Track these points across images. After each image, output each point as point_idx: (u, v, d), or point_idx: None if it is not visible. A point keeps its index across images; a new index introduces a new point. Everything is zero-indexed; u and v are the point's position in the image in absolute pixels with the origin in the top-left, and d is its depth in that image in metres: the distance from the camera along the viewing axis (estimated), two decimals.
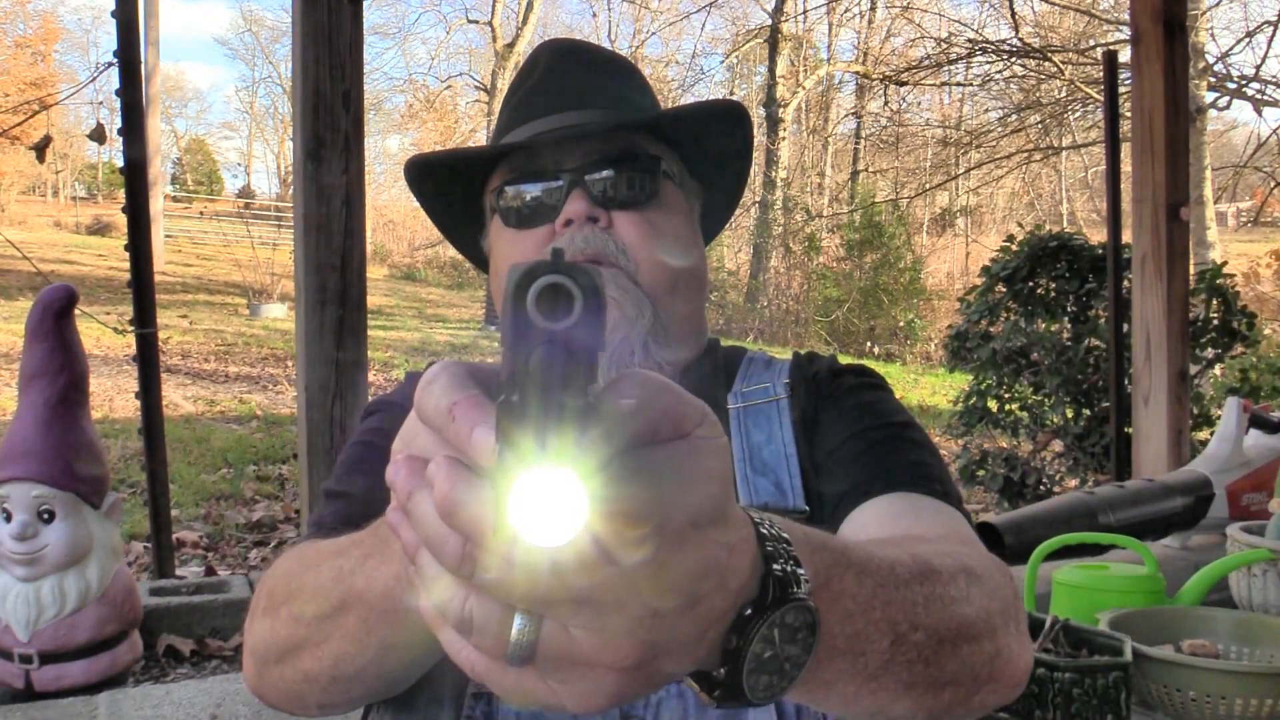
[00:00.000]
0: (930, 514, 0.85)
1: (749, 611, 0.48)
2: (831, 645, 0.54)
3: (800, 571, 0.51)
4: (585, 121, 1.00)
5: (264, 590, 0.79)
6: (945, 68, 15.81)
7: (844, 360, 1.08)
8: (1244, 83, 11.26)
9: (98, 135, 3.79)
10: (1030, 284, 5.86)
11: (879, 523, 0.85)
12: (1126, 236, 3.99)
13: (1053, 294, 5.81)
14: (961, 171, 19.89)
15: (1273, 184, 14.02)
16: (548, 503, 0.39)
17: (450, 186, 1.09)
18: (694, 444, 0.44)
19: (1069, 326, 5.76)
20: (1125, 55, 5.01)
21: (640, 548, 0.41)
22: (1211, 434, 2.79)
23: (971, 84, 17.08)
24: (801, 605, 0.50)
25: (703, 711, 0.81)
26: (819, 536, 0.56)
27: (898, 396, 1.05)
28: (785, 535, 0.52)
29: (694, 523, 0.43)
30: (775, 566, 0.50)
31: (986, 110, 19.65)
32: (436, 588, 0.44)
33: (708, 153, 1.07)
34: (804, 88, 22.55)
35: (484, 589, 0.42)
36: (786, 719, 0.83)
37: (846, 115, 26.47)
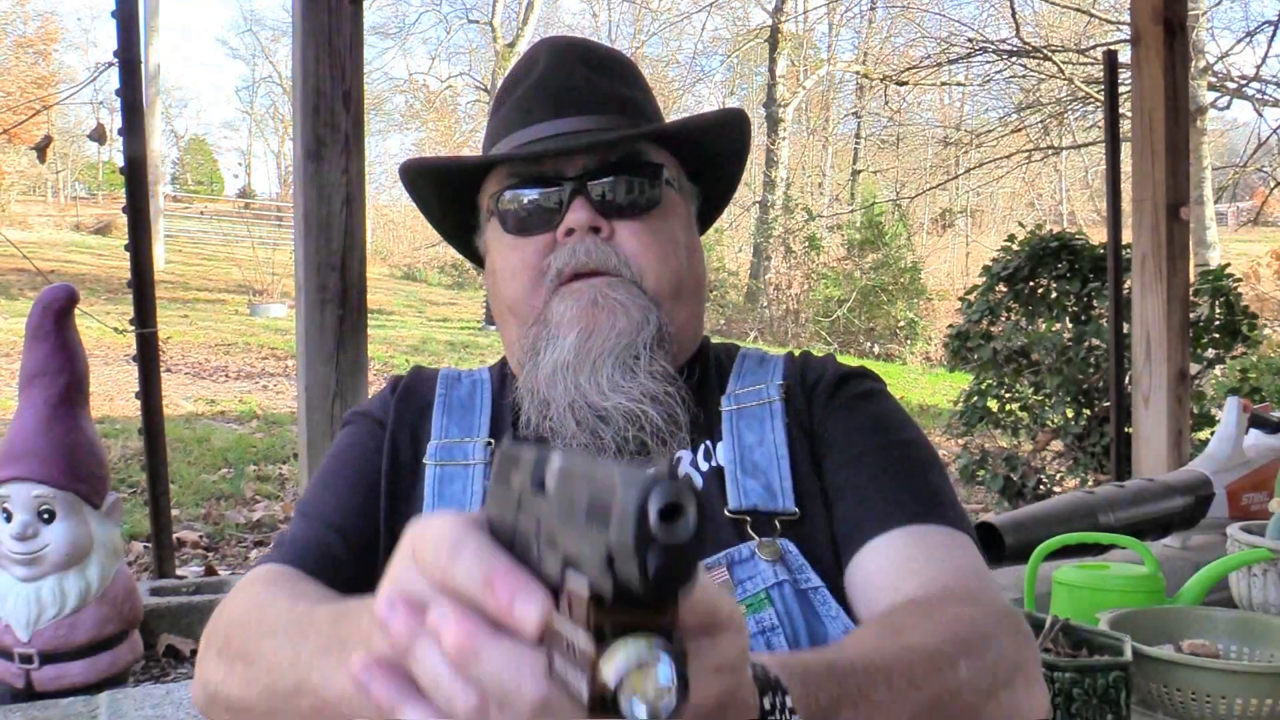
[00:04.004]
0: (939, 553, 0.86)
1: None
2: None
3: None
4: (586, 127, 1.00)
5: (220, 628, 0.80)
6: (945, 68, 15.81)
7: (842, 360, 1.08)
8: (1244, 83, 11.26)
9: (98, 135, 3.79)
10: (1031, 284, 5.86)
11: (887, 572, 0.86)
12: (1126, 236, 3.99)
13: (1053, 294, 5.81)
14: (962, 171, 19.89)
15: (1273, 184, 14.02)
16: (653, 678, 0.41)
17: (447, 188, 1.09)
18: (717, 641, 0.45)
19: (1070, 326, 5.75)
20: (1125, 55, 5.01)
21: None
22: (1211, 434, 2.79)
23: (971, 84, 17.08)
24: None
25: None
26: (816, 668, 0.57)
27: (898, 397, 1.05)
28: (782, 681, 0.53)
29: (699, 716, 0.44)
30: None
31: (986, 110, 19.66)
32: None
33: (707, 155, 1.07)
34: (804, 88, 22.54)
35: None
36: None
37: (846, 115, 26.48)
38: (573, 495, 0.44)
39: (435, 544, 0.45)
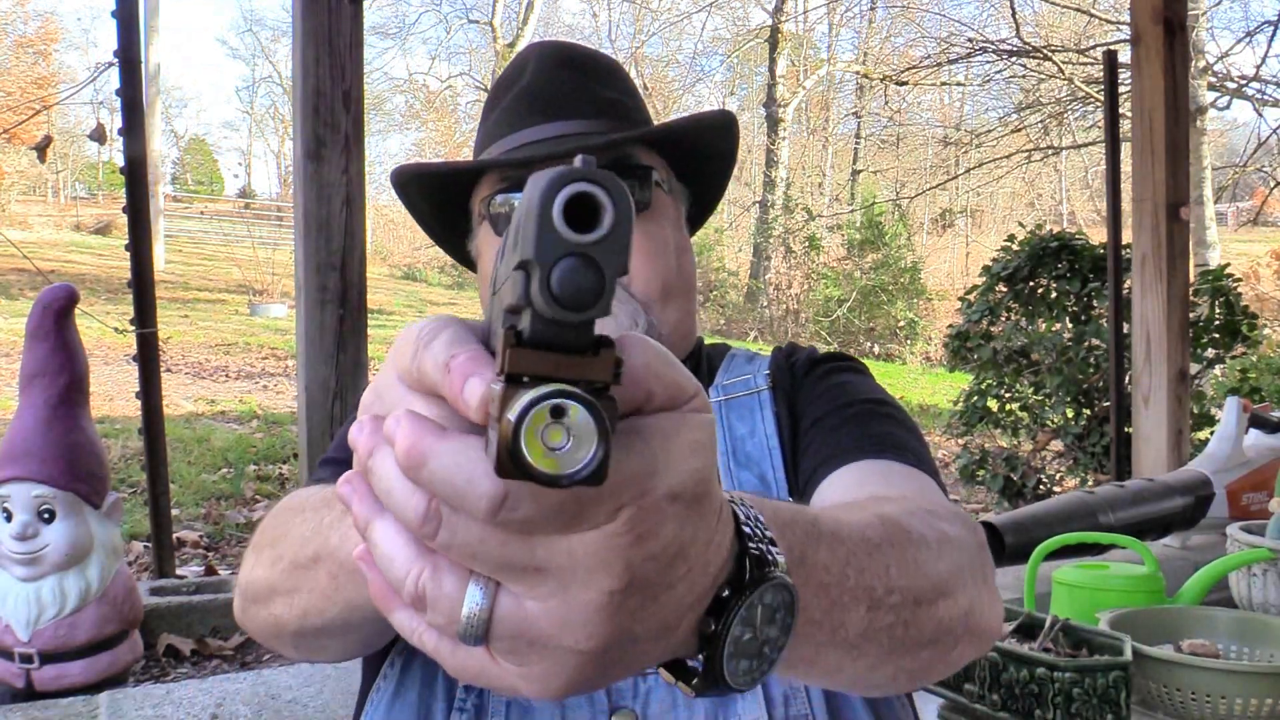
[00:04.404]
0: (899, 477, 0.85)
1: (726, 593, 0.46)
2: (809, 619, 0.53)
3: (775, 549, 0.49)
4: (575, 131, 1.01)
5: (260, 527, 0.81)
6: (945, 68, 15.83)
7: (826, 350, 1.09)
8: (1244, 83, 11.27)
9: (98, 135, 3.79)
10: (1031, 284, 5.86)
11: (846, 488, 0.85)
12: (1126, 236, 3.99)
13: (1053, 294, 5.81)
14: (962, 171, 19.91)
15: (1273, 184, 14.02)
16: (569, 430, 0.36)
17: (438, 194, 1.09)
18: (685, 417, 0.42)
19: (1070, 326, 5.76)
20: (1125, 55, 5.01)
21: (616, 514, 0.39)
22: (1211, 434, 2.79)
23: (971, 84, 17.09)
24: (780, 584, 0.48)
25: (692, 700, 0.81)
26: (788, 510, 0.55)
27: (898, 397, 1.05)
28: (759, 515, 0.50)
29: (675, 496, 0.41)
30: (751, 545, 0.48)
31: (986, 110, 19.68)
32: (391, 564, 0.42)
33: (696, 157, 1.08)
34: (804, 88, 22.56)
35: (446, 551, 0.40)
36: (773, 704, 0.83)
37: (847, 115, 26.49)
38: (511, 233, 0.38)
39: (414, 338, 0.44)
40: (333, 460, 0.98)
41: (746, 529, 0.48)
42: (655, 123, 1.09)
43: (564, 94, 1.03)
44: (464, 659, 0.43)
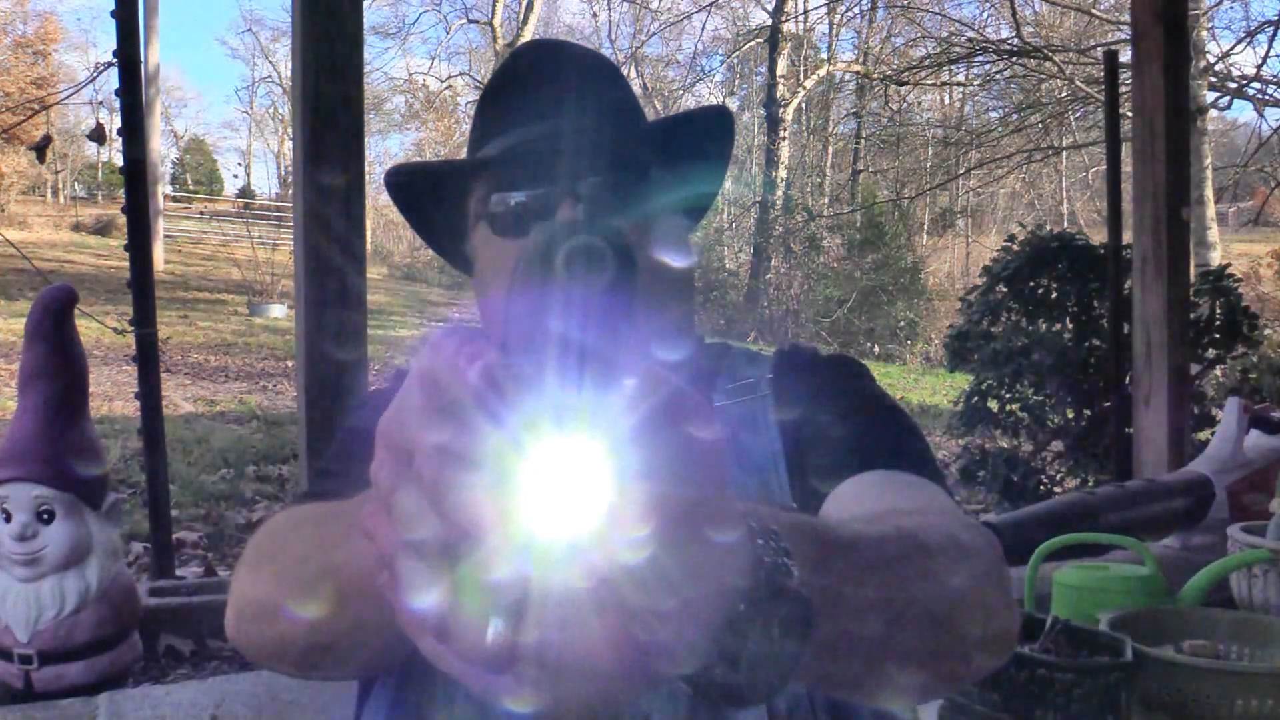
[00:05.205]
0: (909, 486, 0.85)
1: (742, 607, 0.47)
2: (826, 632, 0.53)
3: (790, 563, 0.49)
4: (571, 129, 1.00)
5: (252, 544, 0.80)
6: (945, 68, 15.83)
7: (829, 352, 1.09)
8: (1244, 83, 11.27)
9: (97, 135, 3.78)
10: (1031, 284, 5.85)
11: (857, 498, 0.85)
12: (1127, 236, 3.99)
13: (1054, 294, 5.81)
14: (962, 171, 19.90)
15: (1273, 184, 14.02)
16: (569, 485, 0.36)
17: (432, 193, 1.08)
18: (690, 437, 0.43)
19: (1070, 326, 5.75)
20: (1126, 55, 5.02)
21: (636, 544, 0.40)
22: (1212, 434, 2.79)
23: (971, 84, 17.09)
24: (796, 598, 0.49)
25: (695, 716, 0.81)
26: (804, 523, 0.55)
27: (898, 397, 1.05)
28: (773, 527, 0.51)
29: (691, 518, 0.42)
30: (766, 559, 0.48)
31: (987, 110, 19.69)
32: (414, 594, 0.43)
33: (692, 152, 1.08)
34: (804, 88, 22.55)
35: (464, 584, 0.41)
36: (776, 714, 0.83)
37: (846, 115, 26.48)
38: None
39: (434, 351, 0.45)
40: (328, 471, 0.96)
41: (760, 541, 0.49)
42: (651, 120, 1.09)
43: (558, 90, 1.02)
44: (490, 684, 0.44)
